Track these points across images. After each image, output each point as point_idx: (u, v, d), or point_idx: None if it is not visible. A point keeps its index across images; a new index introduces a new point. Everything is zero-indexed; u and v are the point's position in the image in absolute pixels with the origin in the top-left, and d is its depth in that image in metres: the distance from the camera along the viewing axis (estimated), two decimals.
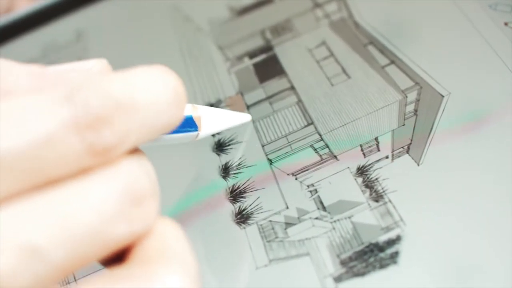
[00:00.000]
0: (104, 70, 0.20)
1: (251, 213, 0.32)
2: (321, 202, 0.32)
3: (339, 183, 0.32)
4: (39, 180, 0.15)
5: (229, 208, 0.33)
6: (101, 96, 0.16)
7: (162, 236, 0.17)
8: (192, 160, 0.36)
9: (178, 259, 0.17)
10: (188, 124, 0.20)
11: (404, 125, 0.33)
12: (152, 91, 0.17)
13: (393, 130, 0.33)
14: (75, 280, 0.29)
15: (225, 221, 0.33)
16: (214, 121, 0.21)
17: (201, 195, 0.34)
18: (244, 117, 0.22)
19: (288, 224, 0.32)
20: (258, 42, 0.42)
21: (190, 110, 0.20)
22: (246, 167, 0.34)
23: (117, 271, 0.16)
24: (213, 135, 0.36)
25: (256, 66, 0.40)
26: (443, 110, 0.33)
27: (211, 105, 0.39)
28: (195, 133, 0.20)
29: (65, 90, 0.16)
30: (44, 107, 0.15)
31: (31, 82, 0.18)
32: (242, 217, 0.32)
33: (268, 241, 0.31)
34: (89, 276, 0.16)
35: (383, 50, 0.38)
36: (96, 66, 0.20)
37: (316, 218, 0.31)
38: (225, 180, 0.34)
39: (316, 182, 0.33)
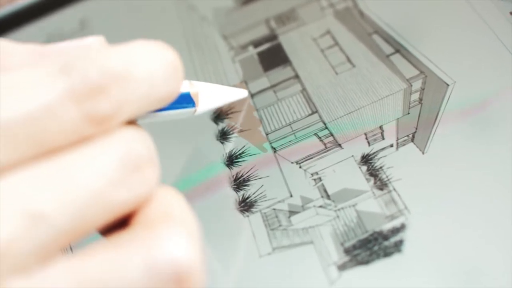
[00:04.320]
0: (102, 45, 0.21)
1: (255, 201, 0.32)
2: (325, 190, 0.32)
3: (343, 171, 0.32)
4: (40, 149, 0.15)
5: (233, 196, 0.33)
6: (97, 66, 0.16)
7: (163, 201, 0.17)
8: (195, 147, 0.36)
9: (180, 220, 0.17)
10: (185, 100, 0.20)
11: (409, 113, 0.33)
12: (149, 64, 0.17)
13: (398, 118, 0.33)
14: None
15: (229, 209, 0.33)
16: (211, 97, 0.21)
17: (202, 177, 0.34)
18: (241, 93, 0.22)
19: (292, 212, 0.31)
20: (262, 31, 0.41)
21: (188, 86, 0.20)
22: (250, 155, 0.34)
23: (120, 236, 0.16)
24: (217, 124, 0.36)
25: (261, 55, 0.40)
26: (448, 99, 0.33)
27: None
28: (192, 109, 0.21)
29: (62, 62, 0.16)
30: (42, 78, 0.16)
31: (29, 59, 0.19)
32: (246, 205, 0.32)
33: (272, 229, 0.31)
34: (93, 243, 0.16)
35: (388, 39, 0.37)
36: (94, 42, 0.20)
37: (320, 206, 0.31)
38: (229, 168, 0.34)
39: (320, 170, 0.32)
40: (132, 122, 0.18)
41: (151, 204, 0.17)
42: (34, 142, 0.15)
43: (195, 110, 0.21)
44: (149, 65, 0.17)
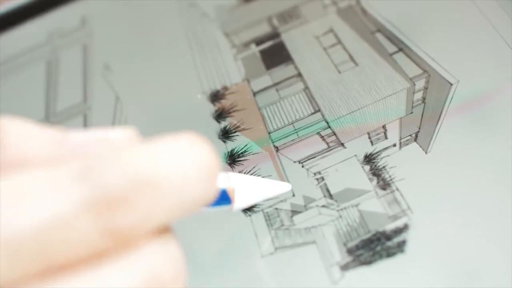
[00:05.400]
0: (131, 141, 0.17)
1: None
2: (328, 190, 0.31)
3: (346, 170, 0.32)
4: (49, 265, 0.14)
5: None
6: (121, 173, 0.14)
7: None
8: None
9: None
10: (221, 197, 0.19)
11: (412, 113, 0.33)
12: (181, 169, 0.15)
13: (401, 117, 0.33)
14: None
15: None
16: (249, 192, 0.20)
17: None
18: (283, 187, 0.20)
19: (294, 212, 0.31)
20: (265, 29, 0.41)
21: (223, 179, 0.19)
22: (252, 154, 0.34)
23: None
24: (219, 122, 0.36)
25: (263, 53, 0.40)
26: (452, 98, 0.33)
27: (217, 92, 0.38)
28: (227, 206, 0.19)
29: (81, 165, 0.14)
30: (57, 184, 0.14)
31: (46, 150, 0.16)
32: None
33: (274, 229, 0.31)
34: None
35: (391, 37, 0.37)
36: (121, 136, 0.17)
37: (323, 206, 0.31)
38: (231, 166, 0.34)
39: (323, 170, 0.32)
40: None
41: None
42: (44, 257, 0.13)
43: (231, 208, 0.19)
44: (182, 170, 0.15)
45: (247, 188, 0.19)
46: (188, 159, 0.15)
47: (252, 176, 0.20)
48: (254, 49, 0.40)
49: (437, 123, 0.32)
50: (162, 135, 0.15)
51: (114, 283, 0.14)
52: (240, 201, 0.19)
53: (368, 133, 0.33)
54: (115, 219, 0.14)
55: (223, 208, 0.18)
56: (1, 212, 0.13)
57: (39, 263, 0.13)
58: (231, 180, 0.19)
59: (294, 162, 0.33)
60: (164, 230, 0.16)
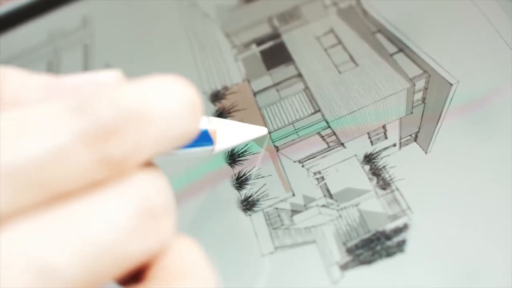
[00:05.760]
0: (119, 81, 0.19)
1: (257, 200, 0.32)
2: (328, 190, 0.31)
3: (346, 170, 0.32)
4: (49, 194, 0.14)
5: (235, 195, 0.33)
6: (113, 106, 0.15)
7: (180, 253, 0.17)
8: None
9: (197, 276, 0.16)
10: (203, 138, 0.19)
11: (412, 113, 0.33)
12: (167, 103, 0.16)
13: (401, 118, 0.33)
14: None
15: (231, 207, 0.32)
16: (229, 135, 0.20)
17: (203, 172, 0.34)
18: (260, 130, 0.21)
19: (294, 212, 0.31)
20: (265, 29, 0.41)
21: (205, 123, 0.19)
22: (252, 153, 0.34)
23: None
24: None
25: (263, 53, 0.40)
26: (452, 99, 0.33)
27: (217, 92, 0.38)
28: (210, 147, 0.20)
29: (76, 101, 0.15)
30: (53, 118, 0.14)
31: (43, 93, 0.18)
32: (248, 204, 0.32)
33: (274, 229, 0.31)
34: None
35: (391, 38, 0.37)
36: (110, 78, 0.19)
37: (323, 206, 0.31)
38: (231, 167, 0.34)
39: (323, 170, 0.32)
40: (148, 161, 0.17)
41: (166, 256, 0.16)
42: (44, 186, 0.14)
43: (213, 149, 0.20)
44: (168, 104, 0.16)
45: (228, 130, 0.20)
46: (173, 95, 0.16)
47: (231, 121, 0.21)
48: (255, 50, 0.40)
49: (437, 123, 0.32)
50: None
51: (109, 209, 0.15)
52: (221, 143, 0.20)
53: (368, 133, 0.33)
54: (109, 149, 0.15)
55: (205, 149, 0.19)
56: (1, 143, 0.14)
57: (38, 193, 0.14)
58: (212, 123, 0.19)
59: (294, 162, 0.33)
60: (152, 166, 0.17)
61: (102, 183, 0.15)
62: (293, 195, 0.32)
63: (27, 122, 0.14)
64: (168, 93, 0.16)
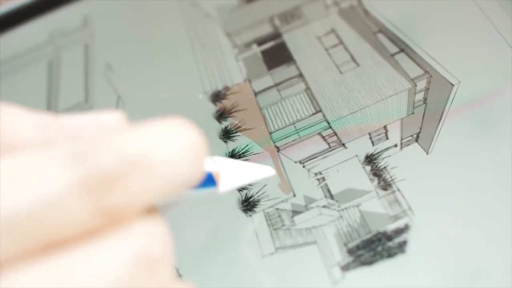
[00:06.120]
0: (119, 124, 0.18)
1: (258, 201, 0.32)
2: (329, 190, 0.31)
3: (347, 171, 0.32)
4: (43, 243, 0.14)
5: (236, 195, 0.33)
6: (113, 155, 0.14)
7: None
8: None
9: None
10: (207, 180, 0.19)
11: (413, 113, 0.33)
12: (170, 150, 0.15)
13: (402, 118, 0.33)
14: None
15: (232, 208, 0.32)
16: (233, 176, 0.20)
17: None
18: (267, 171, 0.20)
19: (295, 212, 0.31)
20: (266, 29, 0.41)
21: (209, 163, 0.19)
22: (253, 154, 0.34)
23: None
24: (220, 122, 0.36)
25: (264, 53, 0.40)
26: (453, 99, 0.33)
27: (218, 92, 0.38)
28: (213, 189, 0.19)
29: (74, 148, 0.15)
30: (50, 165, 0.14)
31: (39, 134, 0.17)
32: (249, 205, 0.32)
33: (275, 229, 0.31)
34: None
35: (392, 38, 0.37)
36: (111, 120, 0.18)
37: (324, 206, 0.31)
38: None
39: (323, 170, 0.32)
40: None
41: None
42: (38, 236, 0.14)
43: (216, 191, 0.20)
44: (171, 150, 0.15)
45: (232, 171, 0.20)
46: (176, 141, 0.16)
47: (236, 160, 0.20)
48: (256, 50, 0.40)
49: (438, 124, 0.32)
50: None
51: (104, 260, 0.14)
52: (225, 184, 0.19)
53: (369, 134, 0.33)
54: (107, 199, 0.14)
55: (209, 190, 0.19)
56: None
57: (33, 241, 0.14)
58: (217, 164, 0.19)
59: (295, 162, 0.33)
60: (152, 211, 0.16)
61: (99, 231, 0.15)
62: (294, 195, 0.32)
63: (24, 169, 0.14)
64: (172, 139, 0.16)
